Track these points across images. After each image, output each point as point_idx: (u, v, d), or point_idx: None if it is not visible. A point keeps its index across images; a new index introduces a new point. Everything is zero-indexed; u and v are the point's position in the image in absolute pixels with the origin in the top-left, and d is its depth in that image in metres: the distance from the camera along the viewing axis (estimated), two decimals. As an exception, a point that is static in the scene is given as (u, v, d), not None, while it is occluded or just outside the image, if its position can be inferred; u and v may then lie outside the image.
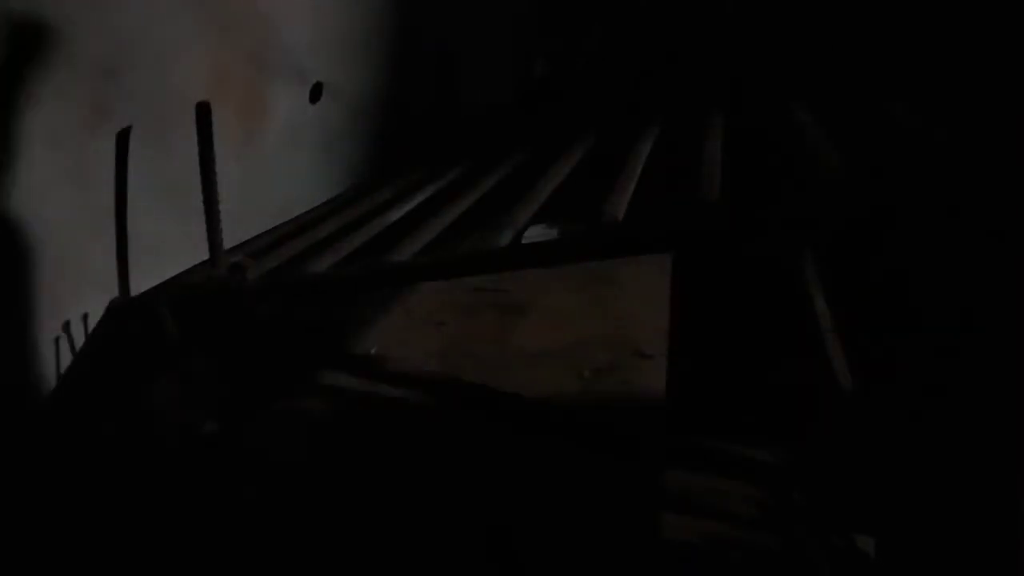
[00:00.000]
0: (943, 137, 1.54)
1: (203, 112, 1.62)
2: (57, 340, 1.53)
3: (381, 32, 2.58)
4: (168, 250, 1.77)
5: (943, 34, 2.38)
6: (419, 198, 2.29)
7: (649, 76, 3.58)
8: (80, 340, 1.58)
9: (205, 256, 1.73)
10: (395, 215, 2.15)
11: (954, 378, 1.48)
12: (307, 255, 1.87)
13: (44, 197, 1.45)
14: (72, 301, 1.55)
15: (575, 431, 1.41)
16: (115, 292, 1.65)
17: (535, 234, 2.27)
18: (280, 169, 2.16)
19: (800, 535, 1.16)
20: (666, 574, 1.14)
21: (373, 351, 1.72)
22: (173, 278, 1.77)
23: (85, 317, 1.58)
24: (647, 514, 1.23)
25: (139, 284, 1.70)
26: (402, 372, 1.59)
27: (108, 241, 1.62)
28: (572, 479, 1.30)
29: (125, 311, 1.63)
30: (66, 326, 1.54)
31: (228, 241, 1.77)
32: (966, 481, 1.21)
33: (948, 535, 1.17)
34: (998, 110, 1.39)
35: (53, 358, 1.53)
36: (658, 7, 3.84)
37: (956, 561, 1.16)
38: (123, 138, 1.59)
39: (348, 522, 1.23)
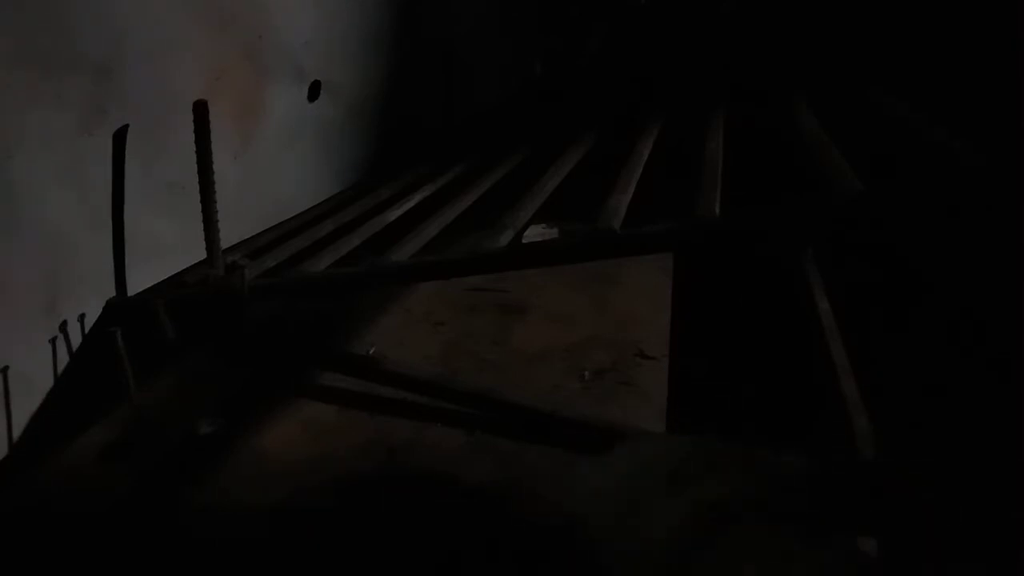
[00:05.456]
0: (943, 137, 1.53)
1: (200, 111, 1.62)
2: (54, 341, 1.53)
3: (380, 31, 2.57)
4: (165, 250, 1.76)
5: (942, 30, 2.38)
6: (418, 198, 2.29)
7: (650, 75, 3.58)
8: (77, 341, 1.57)
9: (202, 256, 1.72)
10: (394, 214, 2.15)
11: (956, 378, 1.48)
12: (305, 255, 1.87)
13: (40, 197, 1.45)
14: (69, 301, 1.54)
15: (575, 431, 1.40)
16: (112, 292, 1.65)
17: (535, 234, 2.27)
18: (278, 168, 2.15)
19: (800, 535, 1.15)
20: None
21: (372, 351, 1.71)
22: (170, 278, 1.76)
23: (82, 318, 1.58)
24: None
25: (136, 284, 1.69)
26: (401, 372, 1.58)
27: (105, 241, 1.62)
28: (571, 480, 1.30)
29: (122, 311, 1.63)
30: (63, 326, 1.54)
31: (226, 241, 1.76)
32: (967, 481, 1.20)
33: (948, 535, 1.16)
34: (1001, 111, 1.38)
35: (50, 359, 1.53)
36: (658, 7, 3.84)
37: (956, 561, 1.15)
38: (120, 137, 1.59)
39: (346, 523, 1.22)
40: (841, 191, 1.35)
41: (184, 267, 1.79)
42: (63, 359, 1.55)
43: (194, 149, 1.63)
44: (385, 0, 2.59)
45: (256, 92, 2.02)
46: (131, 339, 1.47)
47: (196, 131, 1.62)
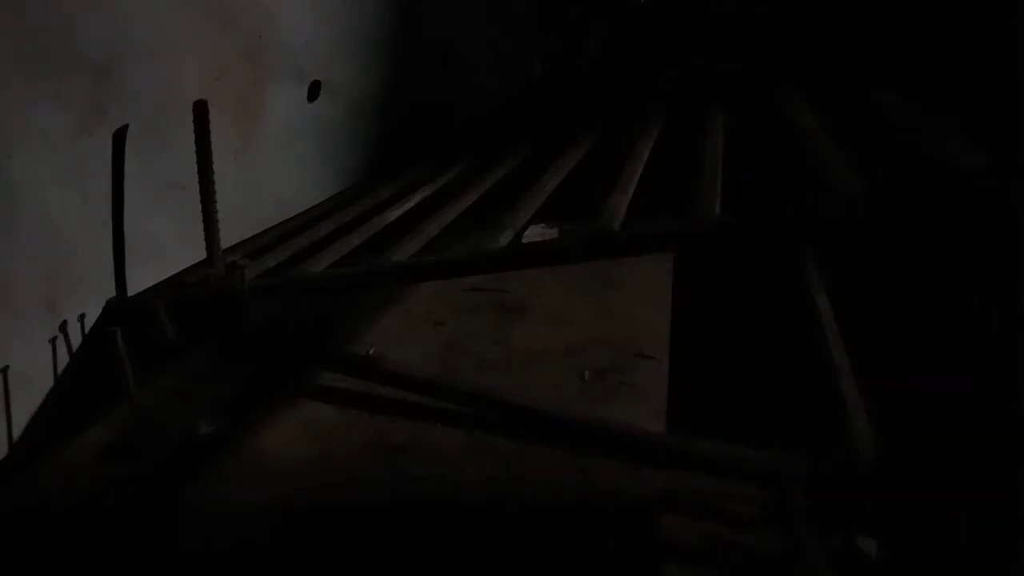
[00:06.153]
0: (942, 138, 1.53)
1: (200, 111, 1.62)
2: (54, 341, 1.53)
3: (380, 31, 2.57)
4: (165, 250, 1.76)
5: (941, 29, 2.38)
6: (418, 198, 2.29)
7: (649, 75, 3.58)
8: (77, 341, 1.57)
9: (203, 256, 1.72)
10: (394, 214, 2.15)
11: (955, 378, 1.48)
12: (305, 255, 1.87)
13: (40, 196, 1.45)
14: (69, 301, 1.54)
15: (575, 431, 1.40)
16: (112, 292, 1.65)
17: (535, 234, 2.27)
18: (278, 168, 2.15)
19: (800, 535, 1.15)
20: (666, 574, 1.13)
21: (372, 351, 1.71)
22: (170, 278, 1.76)
23: (82, 318, 1.58)
24: (647, 514, 1.22)
25: (136, 284, 1.69)
26: (401, 372, 1.58)
27: (105, 241, 1.62)
28: (571, 480, 1.30)
29: (122, 311, 1.63)
30: (63, 326, 1.54)
31: (226, 241, 1.76)
32: (967, 480, 1.20)
33: (948, 535, 1.16)
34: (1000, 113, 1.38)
35: (50, 359, 1.53)
36: (658, 6, 3.84)
37: (956, 561, 1.15)
38: (119, 137, 1.59)
39: (346, 523, 1.22)
40: (841, 191, 1.35)
41: (184, 267, 1.79)
42: (63, 359, 1.55)
43: (194, 149, 1.63)
44: (385, 0, 2.59)
45: (256, 92, 2.02)
46: (131, 339, 1.47)
47: (196, 131, 1.62)
